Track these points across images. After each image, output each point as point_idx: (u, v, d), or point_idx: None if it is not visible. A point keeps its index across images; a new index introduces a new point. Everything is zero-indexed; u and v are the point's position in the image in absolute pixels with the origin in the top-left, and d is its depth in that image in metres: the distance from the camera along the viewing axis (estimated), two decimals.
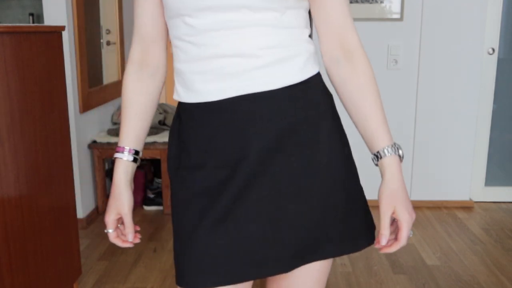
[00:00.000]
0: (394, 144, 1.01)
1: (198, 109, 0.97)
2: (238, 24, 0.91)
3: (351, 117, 1.09)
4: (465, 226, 3.04)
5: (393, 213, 1.01)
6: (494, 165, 3.48)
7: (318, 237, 1.01)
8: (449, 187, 3.37)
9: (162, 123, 3.42)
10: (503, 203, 3.45)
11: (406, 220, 0.99)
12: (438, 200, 3.38)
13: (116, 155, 1.04)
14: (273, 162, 0.95)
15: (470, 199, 3.40)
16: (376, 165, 1.05)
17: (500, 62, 3.34)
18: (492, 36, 3.29)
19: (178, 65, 0.99)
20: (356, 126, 1.07)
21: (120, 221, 1.09)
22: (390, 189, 1.01)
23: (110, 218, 1.06)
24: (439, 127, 3.30)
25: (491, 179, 3.48)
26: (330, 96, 1.09)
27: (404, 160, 3.65)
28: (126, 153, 1.04)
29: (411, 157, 3.34)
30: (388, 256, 2.63)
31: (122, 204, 1.07)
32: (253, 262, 0.96)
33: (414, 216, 1.01)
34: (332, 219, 1.03)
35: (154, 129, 3.32)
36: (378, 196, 1.03)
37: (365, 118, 1.03)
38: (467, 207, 3.37)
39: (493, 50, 3.31)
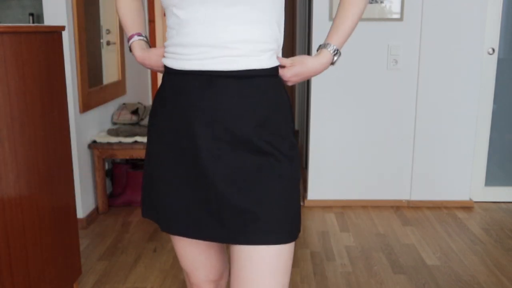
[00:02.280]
0: (337, 50, 1.24)
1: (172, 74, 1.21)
2: (214, 18, 1.11)
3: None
4: (465, 226, 3.04)
5: (291, 65, 1.22)
6: (494, 165, 3.48)
7: (247, 223, 1.16)
8: (449, 187, 3.37)
9: None
10: (503, 203, 3.45)
11: (285, 73, 1.22)
12: (438, 200, 3.38)
13: (130, 42, 1.33)
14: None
15: (470, 199, 3.40)
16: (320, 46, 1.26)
17: (500, 62, 3.34)
18: (492, 36, 3.29)
19: (167, 43, 1.23)
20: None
21: None
22: (306, 59, 1.23)
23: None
24: (439, 127, 3.30)
25: (491, 179, 3.48)
26: (283, 93, 1.23)
27: (404, 160, 3.65)
28: (136, 36, 1.33)
29: (411, 157, 3.34)
30: (388, 256, 2.63)
31: (150, 55, 1.31)
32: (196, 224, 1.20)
33: (289, 82, 1.24)
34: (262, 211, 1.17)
35: None
36: (298, 56, 1.26)
37: (336, 19, 1.25)
38: (467, 207, 3.37)
39: (493, 50, 3.31)
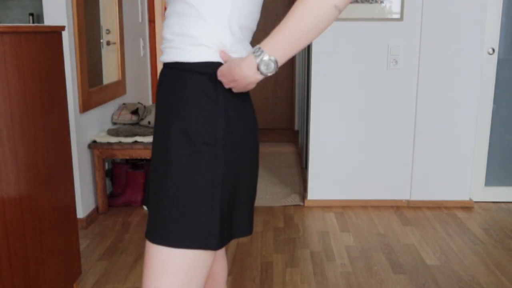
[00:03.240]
0: (269, 57, 1.02)
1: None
2: (168, 12, 1.18)
3: None
4: (465, 226, 3.04)
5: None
6: (494, 165, 3.48)
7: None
8: (449, 187, 3.37)
9: None
10: (503, 203, 3.45)
11: (218, 74, 1.13)
12: (438, 200, 3.38)
13: None
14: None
15: (470, 199, 3.40)
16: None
17: (500, 62, 3.34)
18: (492, 36, 3.29)
19: None
20: None
21: None
22: (232, 58, 1.11)
23: None
24: (439, 127, 3.30)
25: (491, 179, 3.48)
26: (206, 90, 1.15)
27: (404, 160, 3.64)
28: None
29: (411, 157, 3.34)
30: (388, 256, 2.63)
31: None
32: None
33: (222, 79, 1.11)
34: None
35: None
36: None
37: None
38: (467, 207, 3.37)
39: (493, 50, 3.31)
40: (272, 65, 1.02)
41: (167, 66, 1.20)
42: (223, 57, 1.11)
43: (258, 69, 1.03)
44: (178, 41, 1.15)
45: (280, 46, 1.01)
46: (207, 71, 1.12)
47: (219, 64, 1.12)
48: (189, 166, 1.10)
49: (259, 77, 1.05)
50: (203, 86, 1.12)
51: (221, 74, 1.10)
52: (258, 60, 1.02)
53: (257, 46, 1.04)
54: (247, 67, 1.04)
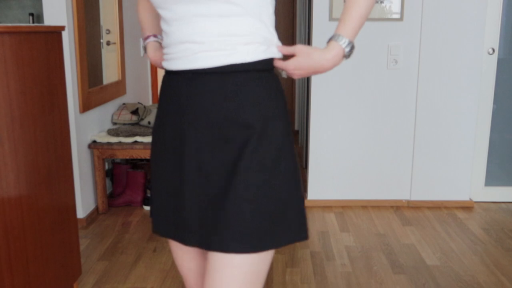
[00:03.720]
0: (348, 41, 1.12)
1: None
2: (190, 14, 1.09)
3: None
4: (465, 226, 3.04)
5: (294, 58, 1.14)
6: (494, 165, 3.48)
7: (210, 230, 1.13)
8: (449, 187, 3.37)
9: None
10: (503, 203, 3.45)
11: (288, 65, 1.14)
12: (438, 200, 3.38)
13: (145, 42, 1.37)
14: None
15: (470, 199, 3.40)
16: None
17: (500, 62, 3.34)
18: (492, 36, 3.29)
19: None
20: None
21: None
22: (312, 51, 1.13)
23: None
24: (439, 127, 3.30)
25: (491, 179, 3.48)
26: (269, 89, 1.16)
27: (404, 160, 3.64)
28: (151, 38, 1.36)
29: (411, 157, 3.34)
30: (388, 256, 2.63)
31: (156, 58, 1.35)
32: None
33: (294, 76, 1.15)
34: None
35: None
36: (306, 46, 1.16)
37: (345, 10, 1.14)
38: (467, 207, 3.37)
39: (493, 50, 3.31)
40: (353, 49, 1.13)
41: (210, 71, 1.10)
42: (282, 51, 1.16)
43: (346, 56, 1.13)
44: (220, 42, 1.09)
45: (354, 31, 1.12)
46: (271, 67, 1.16)
47: (272, 59, 1.15)
48: (294, 161, 1.16)
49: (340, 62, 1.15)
50: (275, 83, 1.16)
51: (297, 67, 1.13)
52: (344, 47, 1.12)
53: (336, 34, 1.12)
54: (336, 57, 1.12)
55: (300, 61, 1.13)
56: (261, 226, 1.09)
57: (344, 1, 1.19)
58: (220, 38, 1.09)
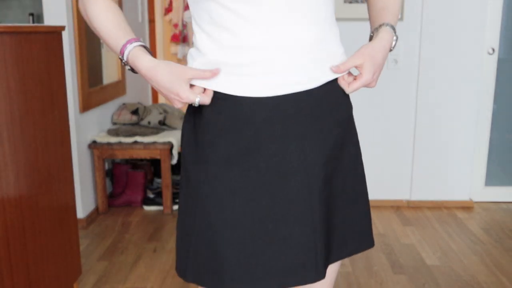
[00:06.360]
0: (395, 29, 1.05)
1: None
2: (285, 15, 0.92)
3: (370, 10, 1.11)
4: (465, 226, 3.04)
5: (360, 66, 1.02)
6: (494, 165, 3.48)
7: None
8: (449, 187, 3.37)
9: (162, 123, 3.42)
10: (503, 203, 3.45)
11: (365, 77, 1.02)
12: (438, 200, 3.38)
13: (129, 49, 1.01)
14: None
15: (470, 199, 3.40)
16: (371, 36, 1.06)
17: (500, 62, 3.34)
18: (492, 36, 3.29)
19: (209, 54, 0.98)
20: (371, 17, 1.11)
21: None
22: (372, 47, 1.02)
23: (186, 89, 0.97)
24: (439, 127, 3.30)
25: (491, 179, 3.48)
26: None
27: (404, 160, 3.64)
28: (134, 42, 1.03)
29: (411, 157, 3.34)
30: (388, 256, 2.63)
31: (178, 70, 0.98)
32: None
33: (373, 83, 1.05)
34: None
35: (154, 129, 3.32)
36: (358, 49, 1.04)
37: (382, 7, 1.07)
38: (467, 207, 3.37)
39: (493, 50, 3.31)
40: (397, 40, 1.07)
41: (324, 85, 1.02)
42: (348, 65, 1.09)
43: (391, 49, 1.07)
44: (341, 52, 1.04)
45: (395, 19, 1.06)
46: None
47: None
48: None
49: None
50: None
51: (372, 71, 1.03)
52: (394, 37, 1.05)
53: (385, 23, 1.03)
54: (389, 42, 1.05)
55: (370, 65, 1.02)
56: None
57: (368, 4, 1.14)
58: (340, 49, 1.06)
